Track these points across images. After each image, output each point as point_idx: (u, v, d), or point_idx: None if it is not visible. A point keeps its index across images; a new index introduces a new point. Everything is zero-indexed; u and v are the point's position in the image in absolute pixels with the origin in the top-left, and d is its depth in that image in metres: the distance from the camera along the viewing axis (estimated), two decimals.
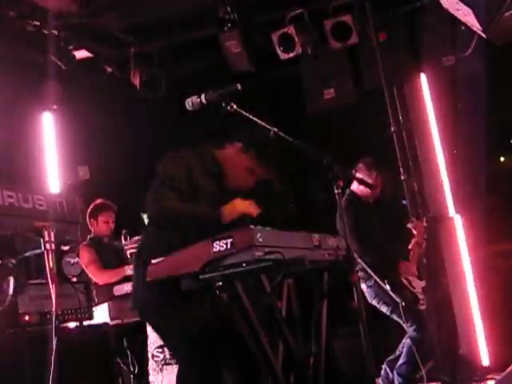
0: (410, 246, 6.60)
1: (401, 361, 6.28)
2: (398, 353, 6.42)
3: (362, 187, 6.51)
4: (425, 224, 6.87)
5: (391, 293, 6.12)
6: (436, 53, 7.88)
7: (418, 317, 6.20)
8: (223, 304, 3.40)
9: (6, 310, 4.14)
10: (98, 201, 6.91)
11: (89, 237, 6.80)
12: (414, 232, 6.72)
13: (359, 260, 6.11)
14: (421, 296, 6.33)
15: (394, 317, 6.25)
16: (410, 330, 6.22)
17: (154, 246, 3.84)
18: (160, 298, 3.73)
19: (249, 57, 8.03)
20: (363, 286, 6.26)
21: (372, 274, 6.10)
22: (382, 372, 6.42)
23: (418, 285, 6.41)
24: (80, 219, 4.92)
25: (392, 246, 6.52)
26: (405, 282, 6.30)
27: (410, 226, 6.78)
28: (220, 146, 4.09)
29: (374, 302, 6.28)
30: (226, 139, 4.09)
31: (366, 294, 6.29)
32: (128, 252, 7.24)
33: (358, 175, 6.50)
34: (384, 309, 6.27)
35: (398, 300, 6.11)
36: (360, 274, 6.11)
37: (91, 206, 6.84)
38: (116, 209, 6.93)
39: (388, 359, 6.45)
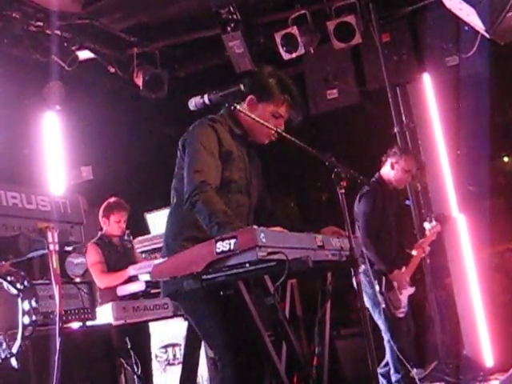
0: (414, 250, 6.54)
1: (391, 370, 6.23)
2: (386, 359, 6.39)
3: (399, 173, 6.46)
4: (439, 228, 6.72)
5: (378, 294, 6.10)
6: (439, 53, 7.89)
7: (393, 326, 6.14)
8: None
9: (9, 311, 4.13)
10: (112, 199, 6.84)
11: (100, 233, 6.79)
12: (427, 233, 6.65)
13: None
14: (404, 304, 6.26)
15: (370, 309, 6.22)
16: (384, 335, 6.20)
17: (185, 228, 3.77)
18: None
19: (252, 57, 8.03)
20: None
21: (368, 268, 6.08)
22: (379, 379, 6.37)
23: (407, 291, 6.34)
24: (84, 220, 4.91)
25: (399, 245, 6.45)
26: (394, 284, 6.22)
27: (426, 226, 6.69)
28: (235, 105, 3.93)
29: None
30: (236, 98, 3.97)
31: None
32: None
33: (401, 162, 6.46)
34: (365, 298, 6.19)
35: (379, 300, 6.09)
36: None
37: (104, 204, 6.78)
38: (129, 208, 6.86)
39: (380, 366, 6.40)
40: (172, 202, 3.96)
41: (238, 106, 3.87)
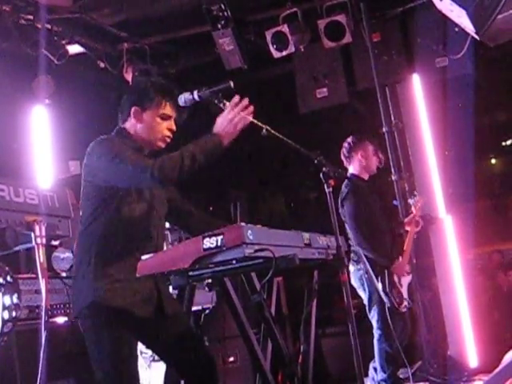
0: (406, 227, 6.58)
1: (377, 367, 6.26)
2: None
3: (370, 159, 6.52)
4: (422, 201, 6.84)
5: (381, 292, 6.10)
6: (429, 54, 7.89)
7: (387, 327, 6.10)
8: None
9: None
10: None
11: None
12: (413, 209, 6.72)
13: (357, 248, 6.10)
14: (405, 296, 6.29)
15: (367, 309, 6.24)
16: (375, 332, 6.21)
17: (105, 236, 3.68)
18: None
19: (242, 54, 8.02)
20: (350, 267, 6.20)
21: (368, 268, 6.08)
22: (369, 373, 6.39)
23: (406, 280, 6.37)
24: (72, 214, 4.89)
25: (389, 235, 6.47)
26: (395, 279, 6.26)
27: (410, 201, 6.80)
28: (124, 120, 3.95)
29: (356, 285, 6.24)
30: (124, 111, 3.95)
31: (351, 274, 6.22)
32: None
33: (367, 148, 6.53)
34: (363, 295, 6.24)
35: (385, 300, 6.09)
36: (351, 254, 6.12)
37: None
38: None
39: (372, 361, 6.42)
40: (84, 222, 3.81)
41: (125, 124, 3.90)
